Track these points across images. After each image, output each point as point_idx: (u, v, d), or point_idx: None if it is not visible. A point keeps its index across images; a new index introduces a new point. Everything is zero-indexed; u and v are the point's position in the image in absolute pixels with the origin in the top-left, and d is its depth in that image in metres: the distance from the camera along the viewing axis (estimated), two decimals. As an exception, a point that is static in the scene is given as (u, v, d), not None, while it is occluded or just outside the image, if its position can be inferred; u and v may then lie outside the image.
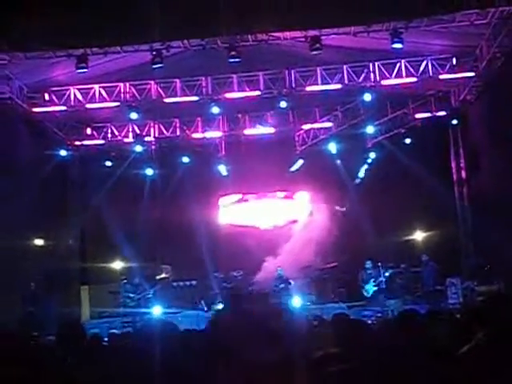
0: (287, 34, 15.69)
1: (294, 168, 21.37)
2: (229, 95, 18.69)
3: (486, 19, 15.18)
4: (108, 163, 21.55)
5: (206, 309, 19.40)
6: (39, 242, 19.25)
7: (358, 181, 21.24)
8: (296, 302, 18.43)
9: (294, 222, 22.16)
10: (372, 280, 18.77)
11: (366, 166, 21.24)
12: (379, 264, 18.72)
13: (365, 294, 18.88)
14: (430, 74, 18.14)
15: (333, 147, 21.16)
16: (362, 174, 21.25)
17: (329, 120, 21.25)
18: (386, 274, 18.67)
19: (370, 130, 20.66)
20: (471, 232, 20.42)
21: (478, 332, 4.11)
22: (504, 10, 14.84)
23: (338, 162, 21.41)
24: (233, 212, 22.70)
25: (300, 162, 21.33)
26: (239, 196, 22.62)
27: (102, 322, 18.60)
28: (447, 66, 18.06)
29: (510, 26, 15.37)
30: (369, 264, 18.93)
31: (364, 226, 19.91)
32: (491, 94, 17.79)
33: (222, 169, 21.83)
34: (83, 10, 14.13)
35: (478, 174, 19.38)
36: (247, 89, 18.64)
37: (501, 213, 16.42)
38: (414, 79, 18.19)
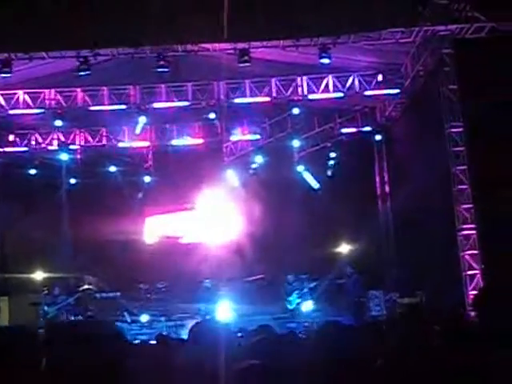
0: (216, 45, 15.72)
1: (224, 180, 21.38)
2: (157, 105, 18.57)
3: (411, 38, 15.61)
4: (32, 171, 21.05)
5: (129, 321, 19.10)
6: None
7: (285, 193, 21.37)
8: (222, 313, 18.35)
9: (220, 233, 22.11)
10: (296, 292, 18.89)
11: (293, 179, 21.42)
12: (303, 276, 18.87)
13: (288, 306, 18.98)
14: (357, 89, 18.50)
15: (260, 159, 21.26)
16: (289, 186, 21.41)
17: (256, 132, 21.36)
18: (311, 286, 18.83)
19: (296, 143, 20.88)
20: (394, 245, 20.84)
21: (392, 343, 4.18)
22: (428, 29, 15.30)
23: (265, 173, 21.50)
24: (158, 223, 22.49)
25: (230, 173, 21.37)
26: (165, 207, 22.43)
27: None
28: (373, 83, 18.44)
29: (433, 46, 15.84)
30: (292, 276, 19.06)
31: (289, 238, 20.03)
32: (415, 110, 18.26)
33: (148, 179, 21.63)
34: (8, 14, 13.80)
35: (401, 188, 19.80)
36: (175, 99, 18.56)
37: (422, 226, 16.82)
38: (340, 94, 18.49)
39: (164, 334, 13.35)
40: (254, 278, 20.55)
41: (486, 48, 14.65)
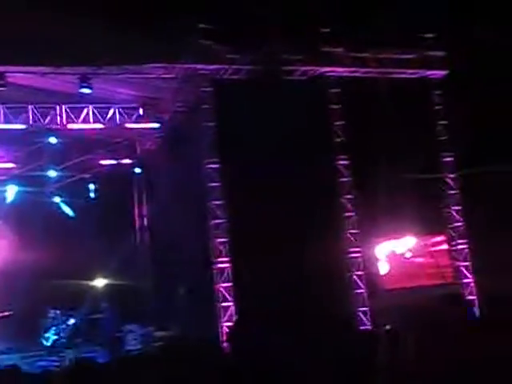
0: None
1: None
2: None
3: (173, 74, 15.94)
4: None
5: None
6: None
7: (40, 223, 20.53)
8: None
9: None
10: (53, 328, 18.16)
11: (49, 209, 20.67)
12: (59, 311, 18.19)
13: (45, 342, 18.16)
14: (117, 121, 18.43)
15: (12, 190, 20.22)
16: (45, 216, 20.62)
17: (10, 161, 20.33)
18: (70, 322, 18.21)
19: (52, 173, 20.18)
20: (152, 278, 20.85)
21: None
22: (189, 67, 15.75)
23: (20, 204, 20.52)
24: None
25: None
26: None
27: None
28: (134, 116, 18.50)
29: (194, 82, 16.30)
30: (52, 311, 18.31)
31: (43, 271, 19.22)
32: (175, 145, 18.57)
33: None
34: None
35: (160, 221, 19.98)
36: None
37: (179, 260, 17.08)
38: (101, 125, 18.30)
39: None
40: (2, 314, 19.39)
41: (243, 88, 15.42)
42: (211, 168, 16.22)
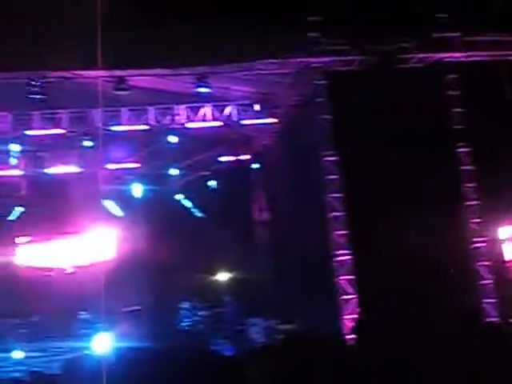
0: (92, 72, 15.47)
1: (102, 208, 20.94)
2: (30, 132, 17.98)
3: (286, 69, 16.02)
4: None
5: (1, 357, 18.23)
6: None
7: (165, 221, 21.22)
8: (99, 346, 17.85)
9: (98, 263, 21.61)
10: (186, 320, 18.79)
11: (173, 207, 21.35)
12: (190, 304, 18.82)
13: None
14: (235, 118, 18.70)
15: (138, 188, 21.03)
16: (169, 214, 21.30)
17: (134, 161, 21.13)
18: (201, 314, 18.78)
19: (174, 171, 20.81)
20: (272, 272, 21.07)
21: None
22: (302, 61, 15.77)
23: (145, 201, 21.30)
24: (32, 253, 21.71)
25: (108, 201, 21.01)
26: (39, 237, 21.71)
27: None
28: (250, 112, 18.72)
29: (307, 76, 16.31)
30: (183, 304, 18.96)
31: (168, 267, 19.85)
32: (291, 139, 18.66)
33: (21, 209, 20.90)
34: None
35: (278, 215, 20.14)
36: (50, 127, 18.05)
37: (299, 253, 17.14)
38: (218, 123, 18.63)
39: (37, 370, 12.83)
40: (131, 308, 20.20)
41: (356, 80, 15.27)
42: (328, 161, 16.18)
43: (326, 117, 16.10)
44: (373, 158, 14.88)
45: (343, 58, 15.83)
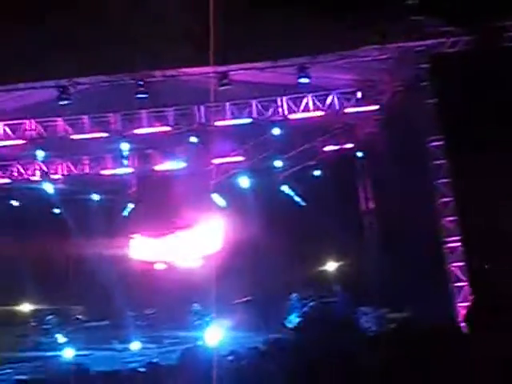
0: (195, 69, 15.77)
1: (210, 203, 21.39)
2: (138, 131, 18.55)
3: (387, 54, 15.76)
4: (14, 203, 20.95)
5: (119, 349, 18.95)
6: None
7: (271, 213, 21.39)
8: (212, 337, 18.22)
9: (207, 256, 22.05)
10: (295, 311, 18.89)
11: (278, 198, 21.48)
12: (298, 295, 18.92)
13: (288, 325, 18.92)
14: (337, 107, 18.57)
15: (244, 181, 21.30)
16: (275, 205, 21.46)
17: (239, 154, 21.40)
18: (310, 304, 18.84)
19: (279, 163, 20.94)
20: (381, 260, 20.83)
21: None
22: (403, 45, 15.46)
23: (251, 194, 21.54)
24: (145, 248, 22.41)
25: (216, 196, 21.43)
26: (151, 232, 22.37)
27: (10, 367, 17.87)
28: (352, 100, 18.54)
29: (409, 61, 15.98)
30: (293, 295, 19.07)
31: (277, 259, 20.01)
32: (395, 125, 18.36)
33: (132, 205, 21.60)
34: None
35: (385, 203, 19.87)
36: (157, 124, 18.54)
37: (408, 241, 16.86)
38: (320, 113, 18.55)
39: (154, 361, 13.25)
40: (241, 300, 20.50)
41: (461, 61, 14.83)
42: (435, 146, 15.85)
43: (431, 101, 15.75)
44: (481, 141, 14.45)
45: (447, 40, 15.38)
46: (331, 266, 21.09)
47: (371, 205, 21.67)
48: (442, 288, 15.43)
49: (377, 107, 18.57)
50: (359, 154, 21.29)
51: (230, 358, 8.75)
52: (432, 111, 15.76)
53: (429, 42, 15.44)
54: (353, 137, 21.21)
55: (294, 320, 18.85)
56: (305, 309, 18.79)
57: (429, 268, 15.95)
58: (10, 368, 17.61)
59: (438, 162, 15.80)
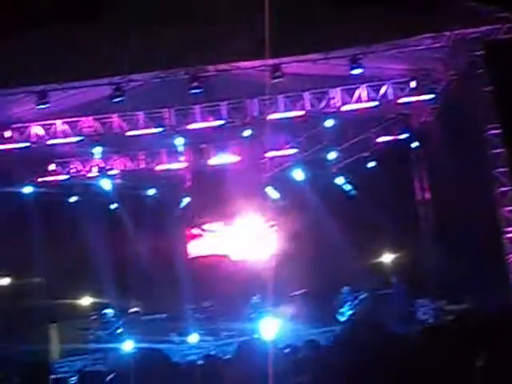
0: (248, 63, 15.82)
1: (264, 196, 21.45)
2: (192, 126, 18.71)
3: (441, 42, 15.52)
4: (73, 198, 21.38)
5: (177, 341, 19.17)
6: (6, 280, 18.97)
7: (325, 205, 21.33)
8: (269, 330, 18.29)
9: (262, 249, 22.12)
10: (348, 304, 18.81)
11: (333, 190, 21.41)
12: (350, 288, 18.82)
13: (340, 318, 18.87)
14: (391, 97, 18.39)
15: (298, 173, 21.28)
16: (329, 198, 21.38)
17: (292, 147, 21.38)
18: (361, 298, 18.74)
19: (332, 155, 20.87)
20: (437, 251, 20.58)
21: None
22: (457, 33, 15.20)
23: (305, 187, 21.49)
24: (201, 242, 22.61)
25: (270, 189, 21.50)
26: (207, 226, 22.57)
27: (73, 360, 18.30)
28: (406, 90, 18.34)
29: (464, 49, 15.71)
30: (345, 288, 18.99)
31: (332, 251, 19.94)
32: (450, 115, 18.10)
33: (188, 200, 21.81)
34: (40, 46, 14.13)
35: (441, 193, 19.61)
36: (210, 119, 18.68)
37: (465, 231, 16.62)
38: (374, 103, 18.40)
39: (212, 353, 13.38)
40: (298, 292, 20.49)
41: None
42: (493, 134, 15.58)
43: (488, 88, 15.47)
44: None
45: (502, 26, 15.06)
46: (387, 257, 20.92)
47: (427, 195, 21.41)
48: (501, 279, 15.18)
49: (431, 96, 18.31)
50: (414, 144, 21.04)
51: (287, 350, 8.79)
52: (488, 99, 15.49)
53: (483, 28, 15.15)
54: (407, 127, 20.96)
55: (346, 313, 18.79)
56: (355, 302, 18.69)
57: (487, 259, 15.70)
58: (71, 361, 18.06)
59: (496, 151, 15.53)
